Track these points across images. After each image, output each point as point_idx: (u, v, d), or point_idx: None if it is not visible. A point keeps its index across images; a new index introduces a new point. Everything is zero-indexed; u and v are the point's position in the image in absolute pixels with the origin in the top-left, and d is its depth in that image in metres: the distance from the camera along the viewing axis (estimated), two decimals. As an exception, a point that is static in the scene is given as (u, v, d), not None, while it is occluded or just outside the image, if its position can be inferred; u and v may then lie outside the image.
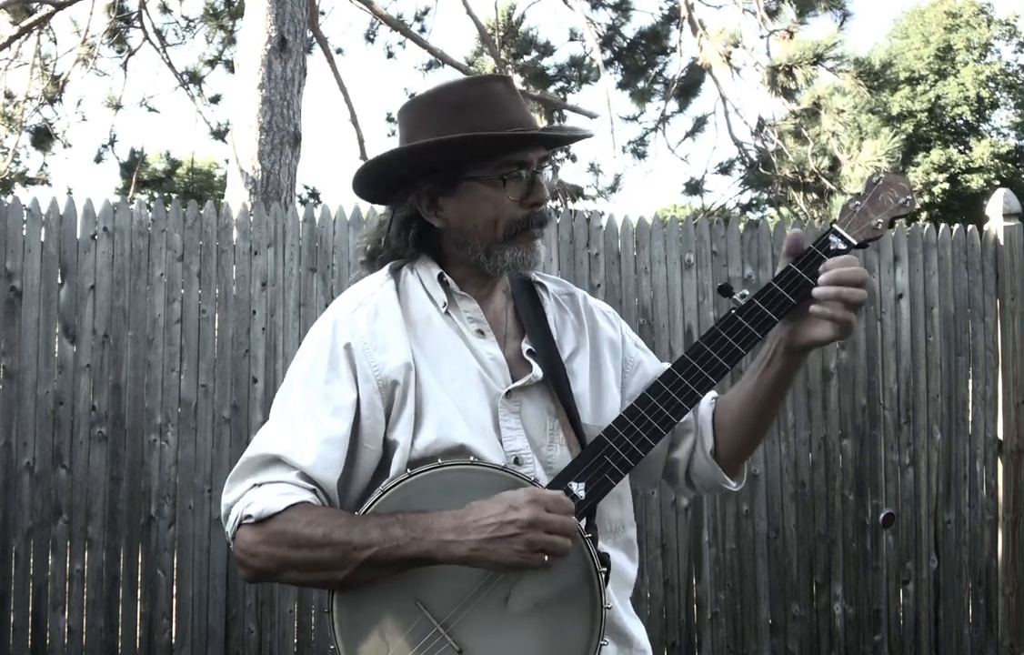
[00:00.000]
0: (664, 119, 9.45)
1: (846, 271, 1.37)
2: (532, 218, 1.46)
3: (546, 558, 1.28)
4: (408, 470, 1.37)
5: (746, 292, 1.43)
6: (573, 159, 11.08)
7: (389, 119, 10.84)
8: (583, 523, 1.37)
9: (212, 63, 9.49)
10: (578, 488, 1.37)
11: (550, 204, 1.52)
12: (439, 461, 1.37)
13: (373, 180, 1.53)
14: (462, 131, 1.42)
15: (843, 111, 7.24)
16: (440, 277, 1.50)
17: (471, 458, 1.38)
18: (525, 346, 1.51)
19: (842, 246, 1.43)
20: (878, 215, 1.46)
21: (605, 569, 1.37)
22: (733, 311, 1.43)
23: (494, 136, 1.43)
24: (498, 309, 1.53)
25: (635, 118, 9.87)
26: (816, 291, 1.37)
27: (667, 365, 1.53)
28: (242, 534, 1.36)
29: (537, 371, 1.47)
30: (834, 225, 1.46)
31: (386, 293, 1.49)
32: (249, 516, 1.34)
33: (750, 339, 1.41)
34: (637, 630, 1.55)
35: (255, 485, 1.37)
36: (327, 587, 1.36)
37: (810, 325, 1.39)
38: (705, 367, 1.41)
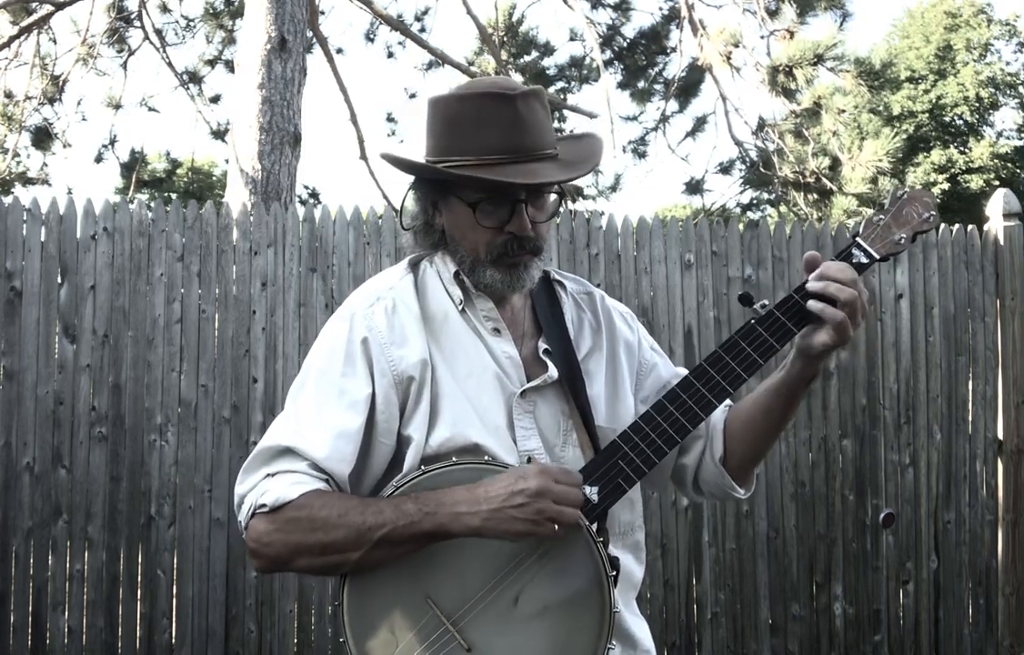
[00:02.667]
0: (664, 119, 9.45)
1: (832, 267, 1.39)
2: (509, 245, 1.44)
3: (556, 527, 1.30)
4: (422, 467, 1.38)
5: (766, 302, 1.44)
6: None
7: (389, 119, 10.84)
8: (594, 526, 1.37)
9: (212, 63, 9.50)
10: (591, 491, 1.38)
11: (545, 229, 1.48)
12: (453, 459, 1.38)
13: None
14: (450, 146, 1.43)
15: (844, 111, 7.24)
16: (456, 275, 1.50)
17: (484, 457, 1.39)
18: (541, 345, 1.51)
19: (864, 259, 1.44)
20: (901, 230, 1.48)
21: (615, 573, 1.38)
22: (752, 321, 1.43)
23: (438, 170, 1.43)
24: (516, 307, 1.53)
25: (635, 118, 9.88)
26: (809, 286, 1.38)
27: (682, 371, 1.55)
28: (255, 524, 1.37)
29: (552, 371, 1.48)
30: (857, 238, 1.47)
31: (404, 287, 1.50)
32: (263, 505, 1.35)
33: (769, 350, 1.42)
34: (641, 631, 1.55)
35: (268, 475, 1.38)
36: (340, 571, 1.37)
37: (815, 331, 1.40)
38: (723, 376, 1.42)
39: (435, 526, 1.32)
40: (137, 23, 8.74)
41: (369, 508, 1.34)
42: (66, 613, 3.68)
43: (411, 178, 1.53)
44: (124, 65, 9.01)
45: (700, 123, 9.30)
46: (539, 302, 1.55)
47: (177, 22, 9.25)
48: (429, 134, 1.48)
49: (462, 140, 1.42)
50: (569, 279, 1.63)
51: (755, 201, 14.45)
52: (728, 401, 1.53)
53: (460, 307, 1.49)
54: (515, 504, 1.29)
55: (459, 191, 1.45)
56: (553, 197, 1.49)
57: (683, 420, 1.41)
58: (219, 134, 9.60)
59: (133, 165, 9.83)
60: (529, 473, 1.31)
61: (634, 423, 1.42)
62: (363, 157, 8.39)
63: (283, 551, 1.36)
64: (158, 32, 8.91)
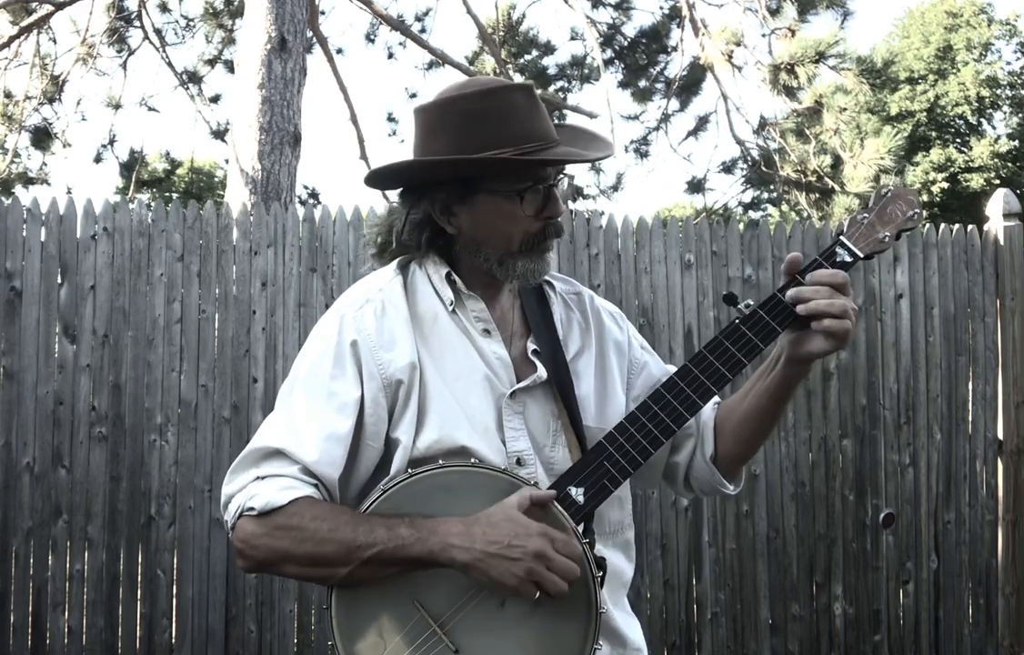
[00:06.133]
0: (666, 118, 9.45)
1: (823, 273, 1.39)
2: (547, 230, 1.47)
3: (537, 594, 1.30)
4: (409, 470, 1.38)
5: (751, 302, 1.44)
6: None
7: (390, 119, 10.84)
8: (581, 527, 1.37)
9: (212, 63, 9.50)
10: (577, 493, 1.38)
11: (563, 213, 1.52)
12: (440, 462, 1.37)
13: (388, 182, 1.56)
14: (479, 142, 1.41)
15: (845, 109, 7.23)
16: (448, 276, 1.49)
17: (472, 460, 1.38)
18: (531, 346, 1.51)
19: (848, 258, 1.44)
20: (885, 228, 1.48)
21: (601, 573, 1.38)
22: (737, 321, 1.43)
23: (519, 160, 1.42)
24: (505, 308, 1.53)
25: (636, 117, 9.87)
26: (800, 309, 1.38)
27: (672, 369, 1.54)
28: (242, 525, 1.36)
29: (541, 371, 1.48)
30: (841, 237, 1.47)
31: (394, 290, 1.49)
32: (252, 508, 1.35)
33: (753, 349, 1.42)
34: (631, 630, 1.55)
35: (257, 477, 1.38)
36: (325, 583, 1.36)
37: (809, 338, 1.40)
38: (708, 376, 1.42)
39: (424, 552, 1.31)
40: (137, 23, 8.75)
41: (361, 526, 1.33)
42: (66, 613, 3.68)
43: (402, 191, 1.53)
44: (124, 65, 9.02)
45: (702, 122, 9.30)
46: (528, 302, 1.55)
47: (177, 22, 9.26)
48: (440, 135, 1.45)
49: (492, 134, 1.41)
50: (558, 280, 1.63)
51: (757, 200, 14.46)
52: (716, 399, 1.53)
53: (451, 308, 1.48)
54: (510, 556, 1.29)
55: (494, 184, 1.44)
56: (563, 186, 1.52)
57: (668, 420, 1.41)
58: (219, 134, 9.60)
59: (132, 165, 9.82)
60: (533, 531, 1.30)
61: (619, 423, 1.42)
62: (363, 157, 8.39)
63: (270, 556, 1.36)
64: (158, 32, 8.92)
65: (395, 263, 1.54)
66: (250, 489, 1.37)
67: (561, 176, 1.51)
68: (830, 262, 1.43)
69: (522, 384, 1.46)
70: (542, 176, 1.45)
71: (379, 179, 1.54)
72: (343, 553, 1.32)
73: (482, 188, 1.45)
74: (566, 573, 1.30)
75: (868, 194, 6.79)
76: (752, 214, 15.22)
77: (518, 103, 1.44)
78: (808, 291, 1.38)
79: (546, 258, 1.48)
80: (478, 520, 1.32)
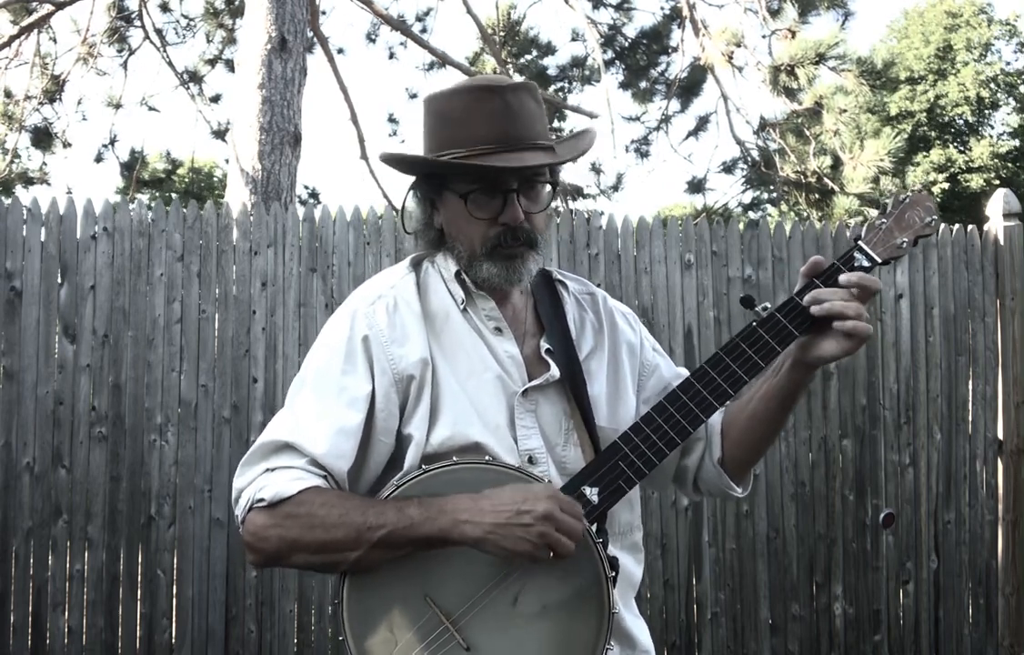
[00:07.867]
0: (666, 119, 9.45)
1: (849, 277, 1.40)
2: (503, 236, 1.44)
3: (551, 554, 1.30)
4: (423, 466, 1.38)
5: (768, 305, 1.44)
6: (574, 159, 11.04)
7: (390, 119, 10.84)
8: (594, 527, 1.38)
9: (212, 62, 9.50)
10: (592, 492, 1.38)
11: (540, 220, 1.49)
12: (454, 459, 1.38)
13: (395, 167, 1.57)
14: (443, 142, 1.44)
15: (845, 110, 7.23)
16: (457, 274, 1.50)
17: (486, 457, 1.39)
18: (543, 345, 1.51)
19: (866, 263, 1.45)
20: (903, 234, 1.48)
21: (614, 573, 1.38)
22: (754, 323, 1.44)
23: (428, 161, 1.45)
24: (518, 307, 1.54)
25: (637, 118, 9.87)
26: (815, 310, 1.40)
27: (684, 371, 1.55)
28: (252, 518, 1.36)
29: (554, 370, 1.48)
30: (859, 241, 1.47)
31: (406, 286, 1.50)
32: (262, 500, 1.35)
33: (770, 353, 1.42)
34: (640, 631, 1.56)
35: (267, 470, 1.38)
36: (337, 569, 1.36)
37: (820, 342, 1.41)
38: (724, 378, 1.42)
39: (435, 531, 1.32)
40: (137, 22, 8.75)
41: (371, 508, 1.34)
42: (66, 613, 3.68)
43: (412, 179, 1.54)
44: (124, 65, 9.02)
45: (702, 123, 9.30)
46: (541, 301, 1.55)
47: (177, 21, 9.26)
48: (425, 132, 1.50)
49: (454, 134, 1.43)
50: (571, 279, 1.63)
51: (756, 200, 14.48)
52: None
53: (462, 306, 1.49)
54: (521, 523, 1.29)
55: (453, 185, 1.46)
56: (547, 188, 1.49)
57: (684, 422, 1.41)
58: (219, 134, 9.60)
59: (133, 165, 9.82)
60: (539, 495, 1.31)
61: (635, 424, 1.42)
62: (363, 157, 8.39)
63: (280, 546, 1.36)
64: (158, 31, 8.92)
65: (408, 260, 1.56)
66: (259, 481, 1.38)
67: (539, 182, 1.47)
68: (848, 267, 1.44)
69: (535, 382, 1.47)
70: (495, 181, 1.42)
71: (390, 162, 1.57)
72: (353, 536, 1.32)
73: (447, 187, 1.47)
74: (571, 532, 1.30)
75: (868, 194, 6.82)
76: (752, 214, 15.24)
77: (483, 104, 1.42)
78: (825, 292, 1.39)
79: (513, 266, 1.45)
80: (486, 495, 1.32)
